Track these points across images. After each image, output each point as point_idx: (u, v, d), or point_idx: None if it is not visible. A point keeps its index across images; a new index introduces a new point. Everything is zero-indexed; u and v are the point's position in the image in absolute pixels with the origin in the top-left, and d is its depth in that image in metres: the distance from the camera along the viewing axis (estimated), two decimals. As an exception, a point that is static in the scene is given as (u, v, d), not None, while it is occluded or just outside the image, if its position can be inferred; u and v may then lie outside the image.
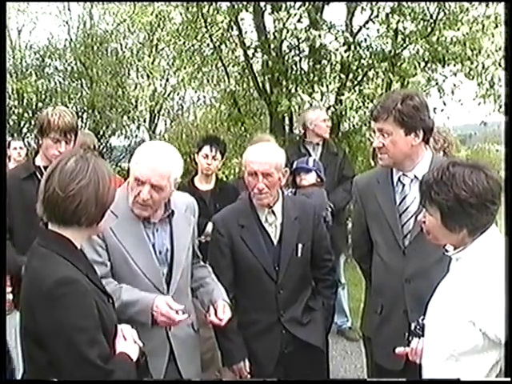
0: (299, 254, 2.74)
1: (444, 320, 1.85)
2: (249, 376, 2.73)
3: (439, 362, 1.86)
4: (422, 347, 1.96)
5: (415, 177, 2.46)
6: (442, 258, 2.00)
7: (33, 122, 9.21)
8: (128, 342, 1.90)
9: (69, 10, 10.78)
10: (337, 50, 6.36)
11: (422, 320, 2.00)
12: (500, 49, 6.01)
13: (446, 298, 1.87)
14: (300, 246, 2.75)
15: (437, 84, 6.78)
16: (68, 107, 9.69)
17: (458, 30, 5.96)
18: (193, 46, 7.49)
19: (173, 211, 2.44)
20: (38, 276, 1.74)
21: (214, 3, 6.78)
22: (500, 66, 6.12)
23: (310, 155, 4.63)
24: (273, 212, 2.75)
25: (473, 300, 1.77)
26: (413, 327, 2.05)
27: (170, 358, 2.41)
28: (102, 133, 10.41)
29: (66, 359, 1.70)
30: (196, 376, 2.58)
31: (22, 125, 10.04)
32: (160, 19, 8.10)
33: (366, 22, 6.65)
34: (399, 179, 2.53)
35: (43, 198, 1.79)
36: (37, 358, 1.77)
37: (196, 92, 9.79)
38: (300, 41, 6.58)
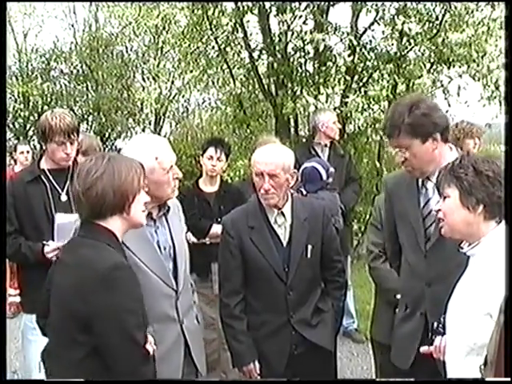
0: (309, 255, 2.74)
1: (463, 315, 1.88)
2: (259, 377, 2.72)
3: (461, 357, 1.87)
4: (444, 344, 1.98)
5: None
6: (462, 262, 1.99)
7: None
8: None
9: (74, 13, 10.81)
10: (342, 52, 6.36)
11: (444, 318, 2.02)
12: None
13: (464, 293, 1.90)
14: (309, 247, 2.74)
15: (442, 86, 6.77)
16: (74, 110, 9.76)
17: (464, 31, 5.94)
18: (198, 48, 7.50)
19: (169, 207, 2.49)
20: (89, 262, 1.84)
21: (219, 5, 6.79)
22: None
23: (318, 156, 4.64)
24: (282, 213, 2.74)
25: (489, 293, 1.78)
26: (435, 326, 2.09)
27: (185, 351, 2.45)
28: (107, 135, 10.44)
29: (114, 339, 1.79)
30: (204, 367, 2.63)
31: (27, 128, 10.07)
32: (165, 22, 8.10)
33: (371, 24, 6.64)
34: (423, 182, 2.49)
35: (73, 197, 1.96)
36: (83, 342, 1.83)
37: (201, 94, 9.80)
38: (305, 43, 6.57)
